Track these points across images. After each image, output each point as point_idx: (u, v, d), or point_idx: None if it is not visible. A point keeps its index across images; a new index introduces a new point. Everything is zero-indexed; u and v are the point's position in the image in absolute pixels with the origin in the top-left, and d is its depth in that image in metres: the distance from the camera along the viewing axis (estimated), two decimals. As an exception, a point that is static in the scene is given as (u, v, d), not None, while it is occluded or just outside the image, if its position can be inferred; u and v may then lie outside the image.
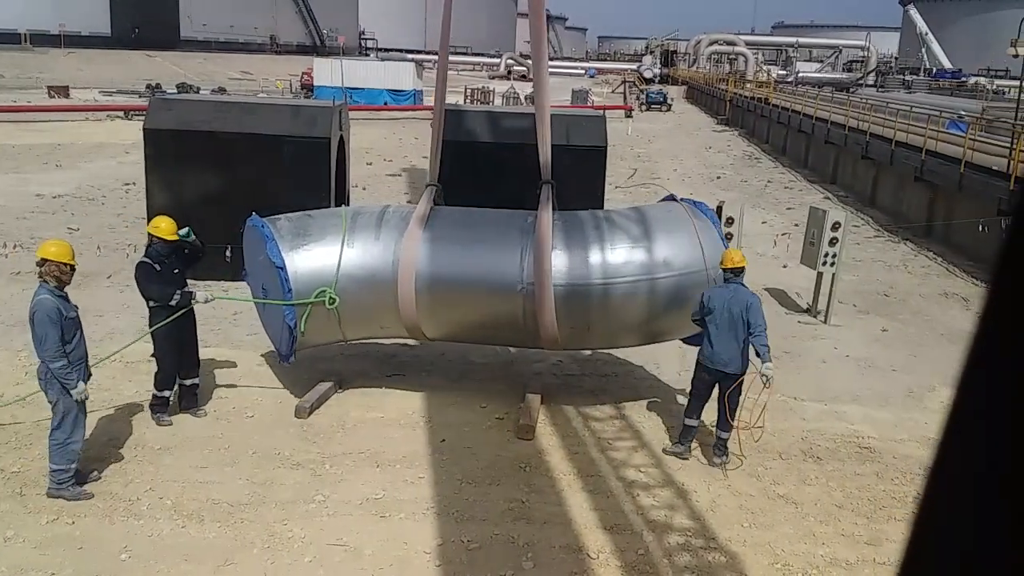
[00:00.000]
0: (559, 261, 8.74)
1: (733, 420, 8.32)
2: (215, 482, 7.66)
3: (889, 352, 11.97)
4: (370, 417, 9.15)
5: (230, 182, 13.48)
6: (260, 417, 9.06)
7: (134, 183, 20.21)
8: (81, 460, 7.42)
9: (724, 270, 8.41)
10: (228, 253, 12.49)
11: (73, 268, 7.27)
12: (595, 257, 8.79)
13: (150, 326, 8.69)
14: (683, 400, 9.87)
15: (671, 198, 10.06)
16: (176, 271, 8.76)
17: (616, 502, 7.67)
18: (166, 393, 8.77)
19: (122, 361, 10.33)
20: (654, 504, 7.65)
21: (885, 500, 7.89)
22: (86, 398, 7.26)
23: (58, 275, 7.12)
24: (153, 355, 8.92)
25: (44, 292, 7.06)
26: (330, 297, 8.78)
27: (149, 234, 8.90)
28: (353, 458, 8.24)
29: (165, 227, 8.71)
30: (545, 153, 9.37)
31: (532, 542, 6.95)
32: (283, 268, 8.70)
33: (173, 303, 8.53)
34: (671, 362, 10.76)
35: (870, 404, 10.07)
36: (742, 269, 8.39)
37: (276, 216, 9.36)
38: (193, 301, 8.67)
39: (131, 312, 12.16)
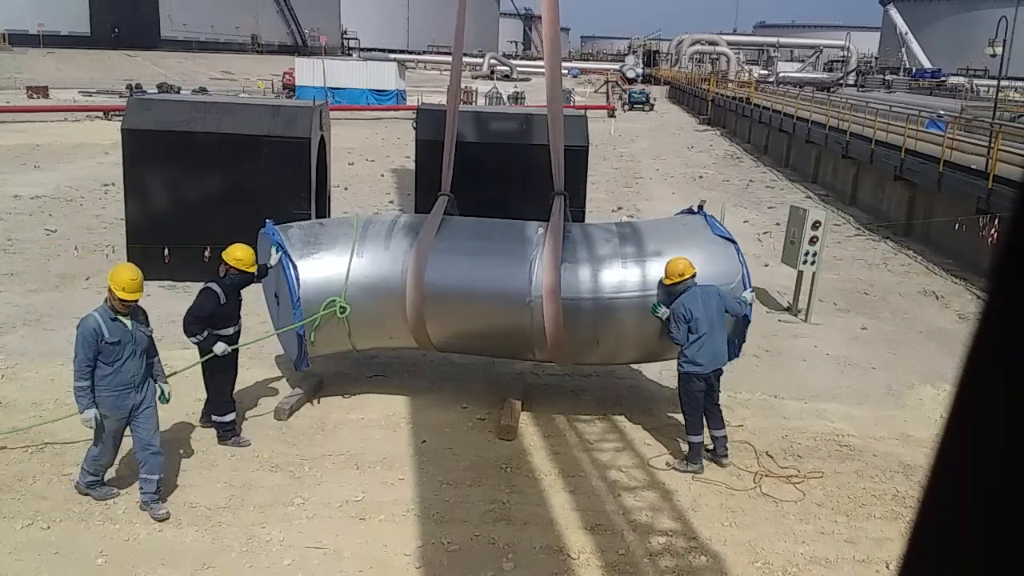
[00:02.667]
0: (569, 274, 8.60)
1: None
2: (193, 485, 7.60)
3: (869, 350, 12.03)
4: (350, 419, 9.11)
5: (209, 183, 13.40)
6: (240, 419, 8.98)
7: (113, 184, 20.05)
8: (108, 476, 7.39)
9: (682, 281, 8.15)
10: (207, 253, 12.41)
11: (126, 303, 6.88)
12: (606, 271, 8.65)
13: (201, 351, 8.32)
14: (665, 398, 9.90)
15: (690, 211, 9.86)
16: (239, 299, 8.58)
17: (597, 502, 7.66)
18: (229, 417, 8.41)
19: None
20: (635, 503, 7.65)
21: (865, 498, 7.92)
22: (91, 427, 6.98)
23: (109, 298, 6.92)
24: (207, 385, 8.50)
25: (96, 310, 6.93)
26: (340, 306, 8.70)
27: (225, 262, 8.38)
28: (333, 460, 8.19)
29: (246, 257, 8.38)
30: (558, 164, 9.19)
31: (513, 543, 6.93)
32: (292, 276, 8.65)
33: (194, 341, 8.22)
34: (652, 361, 10.76)
35: (850, 402, 10.11)
36: (694, 275, 8.21)
37: (288, 224, 9.33)
38: (213, 350, 8.21)
39: (109, 314, 12.07)
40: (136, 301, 6.97)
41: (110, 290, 6.85)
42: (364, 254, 8.96)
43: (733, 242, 8.95)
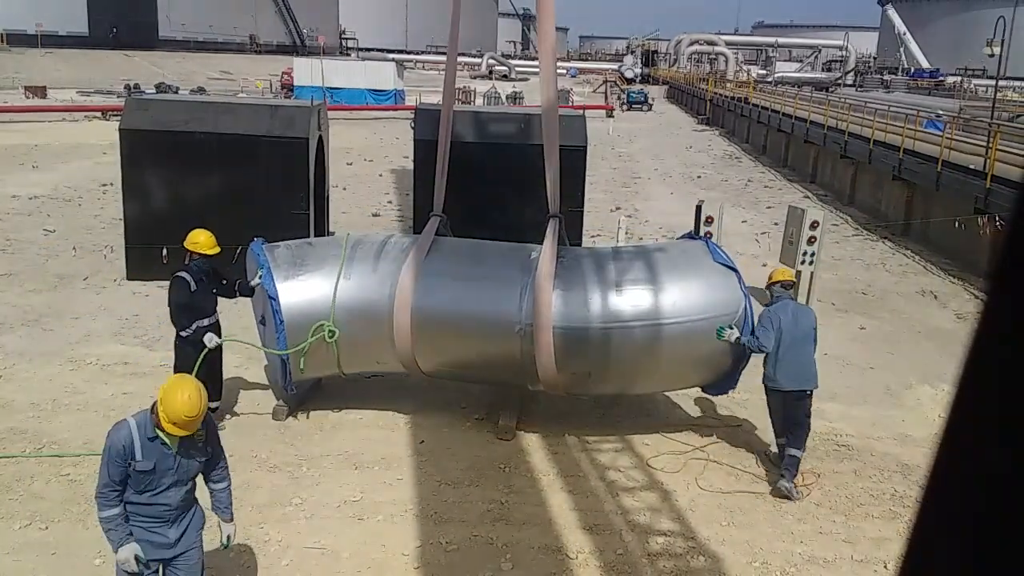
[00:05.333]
0: (561, 301, 8.24)
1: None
2: (191, 485, 7.58)
3: (867, 350, 12.03)
4: (349, 419, 9.11)
5: (208, 183, 13.39)
6: (237, 419, 9.00)
7: (111, 184, 20.03)
8: None
9: (780, 284, 8.21)
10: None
11: (179, 438, 5.04)
12: (600, 299, 8.27)
13: (177, 346, 8.36)
14: (663, 398, 9.90)
15: (689, 236, 9.65)
16: (213, 291, 8.59)
17: (596, 502, 7.67)
18: None
19: (98, 364, 10.26)
20: (633, 504, 7.65)
21: (863, 498, 7.93)
22: (135, 571, 5.04)
23: (155, 414, 4.99)
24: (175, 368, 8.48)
25: (134, 418, 5.09)
26: (329, 330, 8.49)
27: (186, 249, 8.48)
28: (331, 460, 8.19)
29: (205, 240, 8.43)
30: (554, 187, 8.89)
31: (511, 543, 6.93)
32: (276, 299, 8.46)
33: (184, 335, 8.30)
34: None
35: (848, 402, 10.11)
36: (792, 283, 8.19)
37: (276, 244, 9.10)
38: (209, 344, 8.25)
39: (107, 314, 12.08)
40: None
41: (157, 409, 4.96)
42: (351, 276, 8.69)
43: (735, 270, 8.55)
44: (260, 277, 8.65)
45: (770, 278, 8.37)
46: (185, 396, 4.91)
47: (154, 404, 4.99)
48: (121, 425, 5.05)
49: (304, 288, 8.63)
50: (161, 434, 4.99)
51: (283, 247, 9.10)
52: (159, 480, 5.04)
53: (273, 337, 8.60)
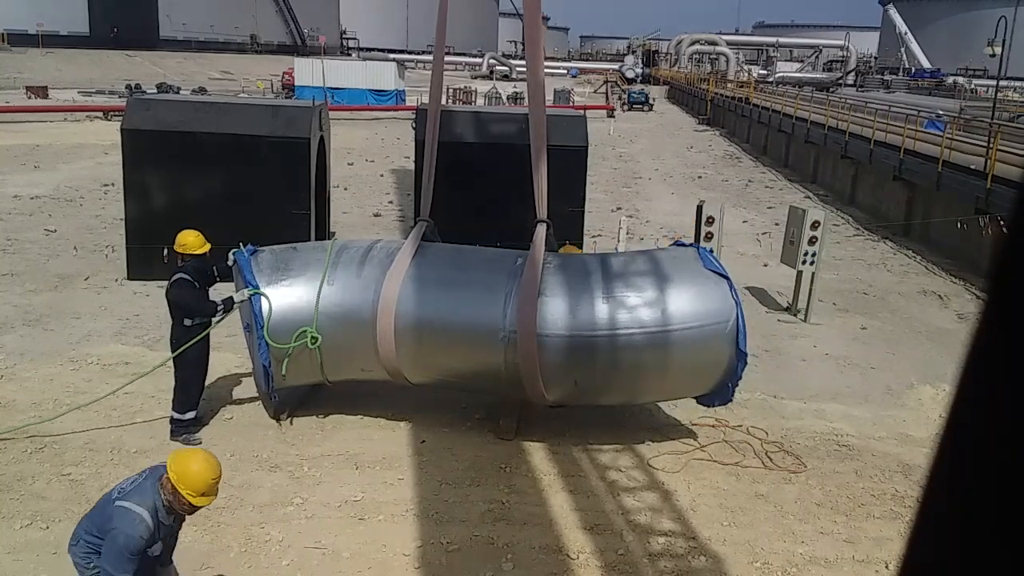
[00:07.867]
0: (546, 309, 8.07)
1: None
2: (192, 485, 7.58)
3: (868, 350, 12.03)
4: (349, 418, 9.10)
5: (209, 183, 13.40)
6: (238, 419, 9.00)
7: (112, 184, 20.06)
8: None
9: None
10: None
11: (195, 508, 5.01)
12: (587, 306, 8.09)
13: (179, 344, 8.34)
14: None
15: (679, 244, 9.59)
16: (208, 287, 8.64)
17: (596, 502, 7.66)
18: (190, 415, 8.44)
19: (99, 363, 10.26)
20: (634, 504, 7.65)
21: (864, 498, 7.92)
22: None
23: (170, 495, 4.89)
24: (178, 376, 8.47)
25: (137, 509, 4.81)
26: (312, 336, 8.37)
27: (179, 253, 8.53)
28: (332, 460, 8.19)
29: (193, 241, 8.47)
30: (540, 192, 8.75)
31: (512, 543, 6.93)
32: (258, 303, 8.39)
33: (219, 318, 8.37)
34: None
35: (849, 402, 10.11)
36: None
37: (261, 248, 8.98)
38: (236, 304, 8.47)
39: (108, 314, 12.08)
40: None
41: (176, 490, 4.84)
42: (335, 282, 8.57)
43: (727, 278, 8.30)
44: (245, 289, 8.53)
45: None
46: (201, 462, 4.91)
47: (161, 485, 4.88)
48: (132, 518, 4.79)
49: (287, 293, 8.50)
50: (186, 508, 4.94)
51: (267, 251, 8.96)
52: (160, 547, 5.03)
53: (256, 342, 8.52)
